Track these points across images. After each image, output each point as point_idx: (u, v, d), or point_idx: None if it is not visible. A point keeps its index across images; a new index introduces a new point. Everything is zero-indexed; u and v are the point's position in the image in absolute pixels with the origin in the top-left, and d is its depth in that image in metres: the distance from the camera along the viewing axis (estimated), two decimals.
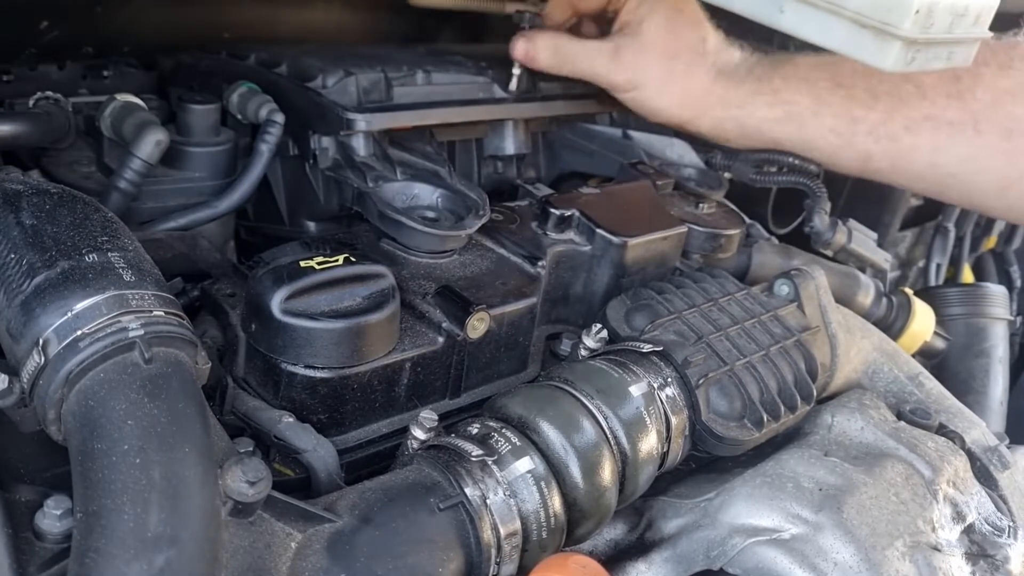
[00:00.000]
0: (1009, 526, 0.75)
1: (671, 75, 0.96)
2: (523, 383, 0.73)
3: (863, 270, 1.07)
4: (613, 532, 0.67)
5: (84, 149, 0.84)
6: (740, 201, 1.01)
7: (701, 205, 0.92)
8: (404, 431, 0.63)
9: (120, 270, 0.52)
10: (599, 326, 0.73)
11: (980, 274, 1.80)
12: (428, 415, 0.61)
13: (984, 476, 0.80)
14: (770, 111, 0.96)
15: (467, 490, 0.56)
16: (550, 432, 0.60)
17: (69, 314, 0.49)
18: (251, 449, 0.56)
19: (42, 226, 0.54)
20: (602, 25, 1.03)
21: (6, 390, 0.49)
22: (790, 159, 1.05)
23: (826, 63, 0.95)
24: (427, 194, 0.80)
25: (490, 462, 0.57)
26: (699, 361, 0.68)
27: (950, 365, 1.13)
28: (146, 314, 0.50)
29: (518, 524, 0.56)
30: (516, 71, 0.97)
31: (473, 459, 0.57)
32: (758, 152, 1.07)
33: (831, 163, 0.99)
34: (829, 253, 1.07)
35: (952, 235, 1.63)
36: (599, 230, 0.81)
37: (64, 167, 0.81)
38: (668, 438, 0.66)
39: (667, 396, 0.66)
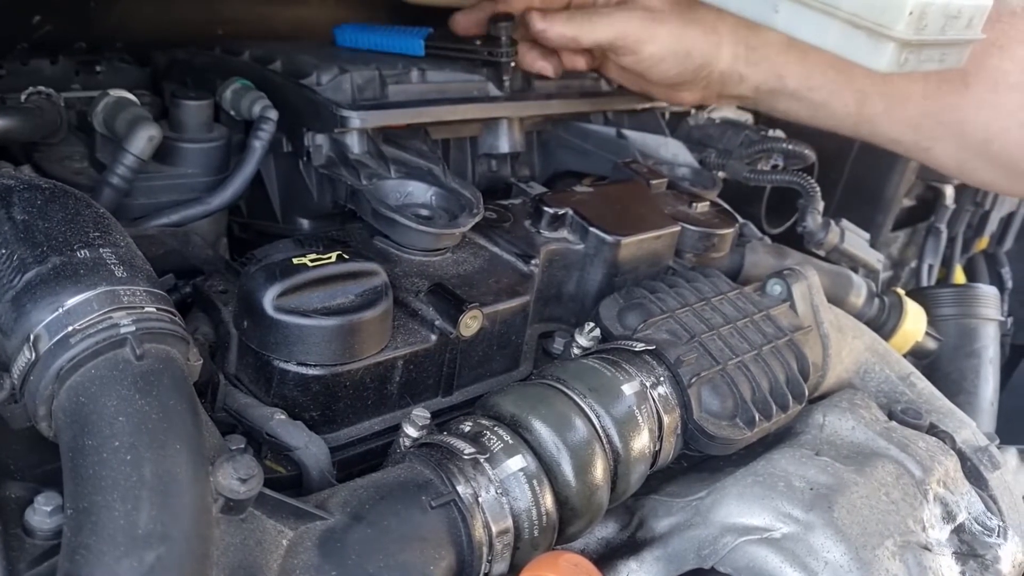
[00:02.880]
0: (999, 526, 0.75)
1: (684, 15, 0.96)
2: (516, 381, 0.73)
3: (855, 270, 1.07)
4: (605, 530, 0.68)
5: (76, 144, 0.83)
6: (734, 200, 1.01)
7: (695, 204, 0.92)
8: (396, 429, 0.63)
9: (112, 266, 0.52)
10: (592, 325, 0.73)
11: (972, 275, 1.81)
12: (420, 413, 0.61)
13: (974, 476, 0.80)
14: (775, 35, 0.94)
15: (459, 488, 0.56)
16: (542, 430, 0.60)
17: (60, 310, 0.49)
18: (243, 446, 0.56)
19: (33, 221, 0.53)
20: None
21: None
22: (784, 145, 1.05)
23: None
24: (421, 192, 0.80)
25: (482, 460, 0.57)
26: (691, 360, 0.68)
27: (941, 365, 1.13)
28: (138, 310, 0.50)
29: (510, 522, 0.56)
30: (506, 75, 0.97)
31: (465, 457, 0.57)
32: (753, 145, 1.07)
33: (830, 105, 0.99)
34: (822, 253, 1.08)
35: (944, 236, 1.64)
36: (592, 229, 0.81)
37: (56, 162, 0.80)
38: (660, 437, 0.66)
39: (659, 395, 0.67)
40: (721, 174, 1.08)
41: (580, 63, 1.02)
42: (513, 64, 0.97)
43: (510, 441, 0.59)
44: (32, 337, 0.49)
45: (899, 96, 0.96)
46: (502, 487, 0.57)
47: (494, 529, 0.56)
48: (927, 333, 1.08)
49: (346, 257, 0.64)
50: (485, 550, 0.56)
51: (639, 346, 0.69)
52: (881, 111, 0.98)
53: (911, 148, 1.02)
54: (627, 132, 1.04)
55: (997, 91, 0.92)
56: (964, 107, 0.94)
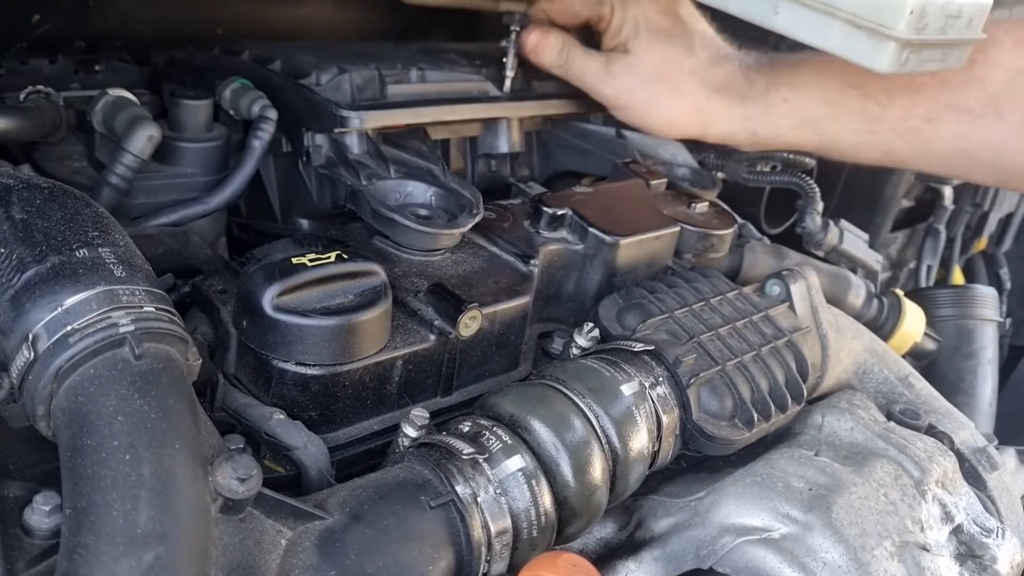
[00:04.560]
0: (997, 526, 0.75)
1: (656, 97, 0.97)
2: (515, 381, 0.73)
3: (854, 271, 1.07)
4: (603, 531, 0.68)
5: (75, 144, 0.83)
6: (733, 201, 1.01)
7: (694, 205, 0.92)
8: (395, 429, 0.63)
9: (111, 265, 0.52)
10: (591, 325, 0.73)
11: (970, 276, 1.81)
12: (419, 413, 0.61)
13: (973, 477, 0.80)
14: (785, 119, 0.96)
15: (458, 488, 0.56)
16: (541, 430, 0.60)
17: (59, 309, 0.49)
18: (241, 446, 0.56)
19: (32, 220, 0.53)
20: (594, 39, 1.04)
21: None
22: (784, 154, 1.06)
23: (832, 61, 0.91)
24: (420, 192, 0.80)
25: (481, 460, 0.57)
26: (690, 360, 0.68)
27: (940, 366, 1.13)
28: (136, 310, 0.50)
29: (508, 522, 0.56)
30: (509, 73, 0.97)
31: (464, 457, 0.57)
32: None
33: (854, 158, 1.00)
34: (821, 253, 1.08)
35: (943, 237, 1.64)
36: (592, 229, 0.81)
37: (55, 162, 0.80)
38: (659, 437, 0.66)
39: (658, 395, 0.67)
40: (720, 174, 1.08)
41: None
42: (514, 52, 0.97)
43: (509, 441, 0.59)
44: (31, 336, 0.49)
45: (928, 142, 0.93)
46: (501, 487, 0.57)
47: (493, 529, 0.56)
48: (926, 334, 1.08)
49: (345, 257, 0.64)
50: (484, 550, 0.56)
51: (638, 346, 0.69)
52: (910, 157, 0.96)
53: (946, 175, 1.02)
54: (626, 132, 1.04)
55: None
56: (1000, 142, 0.91)
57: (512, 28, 0.97)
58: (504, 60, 0.97)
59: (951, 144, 0.93)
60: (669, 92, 0.96)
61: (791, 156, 1.06)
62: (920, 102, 0.92)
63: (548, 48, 0.97)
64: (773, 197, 1.23)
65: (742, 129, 0.98)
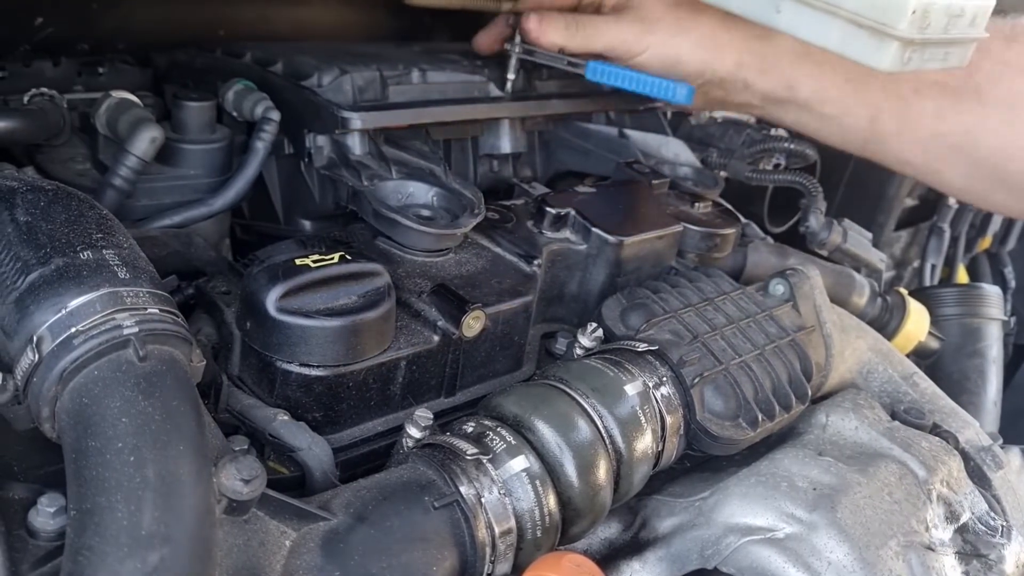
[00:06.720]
0: (1002, 526, 0.75)
1: (679, 23, 0.96)
2: (518, 382, 0.73)
3: (858, 270, 1.07)
4: (607, 531, 0.67)
5: (79, 146, 0.84)
6: (736, 200, 1.01)
7: (697, 204, 0.92)
8: (399, 429, 0.63)
9: (115, 267, 0.52)
10: (594, 325, 0.73)
11: (975, 275, 1.81)
12: (423, 413, 0.61)
13: (978, 476, 0.80)
14: (790, 44, 0.95)
15: (462, 488, 0.56)
16: (545, 431, 0.60)
17: (63, 311, 0.49)
18: (246, 447, 0.56)
19: (36, 223, 0.53)
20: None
21: (0, 387, 0.49)
22: (786, 144, 1.06)
23: None
24: (422, 193, 0.80)
25: (485, 460, 0.57)
26: (694, 360, 0.68)
27: (944, 365, 1.13)
28: (140, 312, 0.50)
29: (513, 523, 0.56)
30: (511, 76, 0.97)
31: (468, 457, 0.57)
32: (755, 144, 1.07)
33: (842, 120, 0.99)
34: (824, 253, 1.08)
35: (947, 235, 1.63)
36: (595, 229, 0.81)
37: (59, 164, 0.80)
38: (663, 437, 0.66)
39: (662, 395, 0.66)
40: (723, 174, 1.08)
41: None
42: (514, 59, 0.97)
43: (513, 442, 0.59)
44: (35, 338, 0.49)
45: (912, 115, 0.95)
46: (505, 488, 0.57)
47: (497, 530, 0.56)
48: (930, 333, 1.08)
49: (348, 258, 0.64)
50: (488, 551, 0.56)
51: (642, 346, 0.69)
52: (893, 130, 0.97)
53: (920, 170, 1.02)
54: (629, 132, 1.04)
55: (1014, 110, 0.92)
56: (977, 128, 0.93)
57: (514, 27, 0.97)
58: (509, 63, 0.96)
59: (931, 123, 0.95)
60: (689, 16, 0.96)
61: (793, 147, 1.06)
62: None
63: (551, 25, 0.96)
64: (776, 196, 1.23)
65: (747, 51, 0.97)
